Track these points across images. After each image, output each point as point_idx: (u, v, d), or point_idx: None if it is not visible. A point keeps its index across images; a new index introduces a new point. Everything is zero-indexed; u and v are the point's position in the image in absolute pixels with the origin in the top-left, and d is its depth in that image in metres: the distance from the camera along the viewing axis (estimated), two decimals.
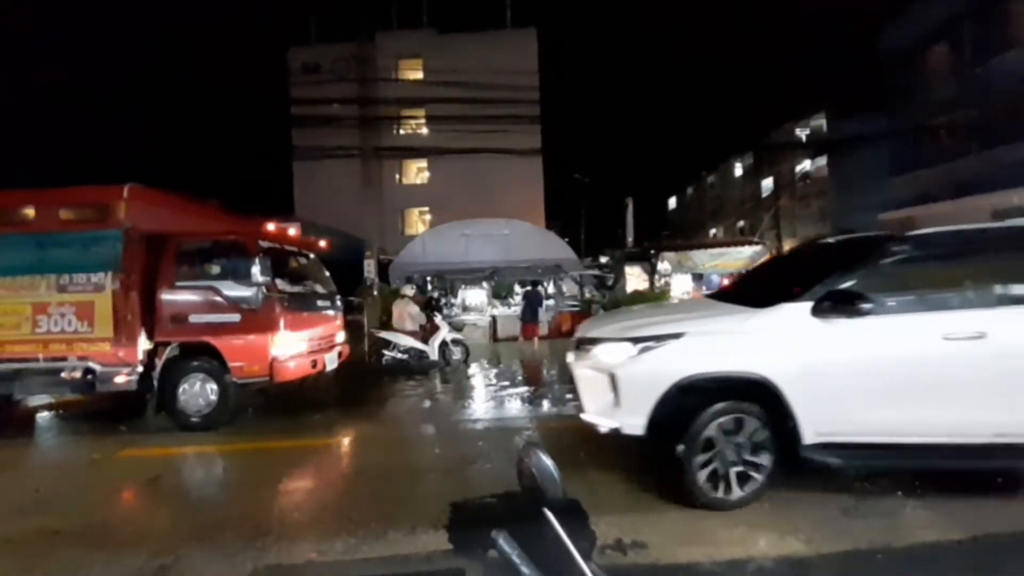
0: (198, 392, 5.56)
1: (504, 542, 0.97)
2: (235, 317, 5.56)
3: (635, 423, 3.22)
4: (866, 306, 3.04)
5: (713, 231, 36.17)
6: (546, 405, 6.35)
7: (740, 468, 3.18)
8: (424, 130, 21.66)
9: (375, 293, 11.44)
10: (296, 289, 6.16)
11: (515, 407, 6.33)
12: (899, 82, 18.91)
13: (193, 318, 5.59)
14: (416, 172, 23.04)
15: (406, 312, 9.18)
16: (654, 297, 11.74)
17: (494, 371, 8.70)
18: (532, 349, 9.70)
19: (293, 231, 6.65)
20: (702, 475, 3.17)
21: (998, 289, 3.21)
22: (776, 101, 26.37)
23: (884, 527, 2.99)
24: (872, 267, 3.26)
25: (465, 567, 2.70)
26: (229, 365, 5.54)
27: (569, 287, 13.62)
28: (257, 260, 5.62)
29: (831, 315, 3.10)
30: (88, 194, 5.61)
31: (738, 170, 34.50)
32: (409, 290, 9.75)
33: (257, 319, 5.57)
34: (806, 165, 28.38)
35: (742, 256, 13.57)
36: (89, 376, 5.43)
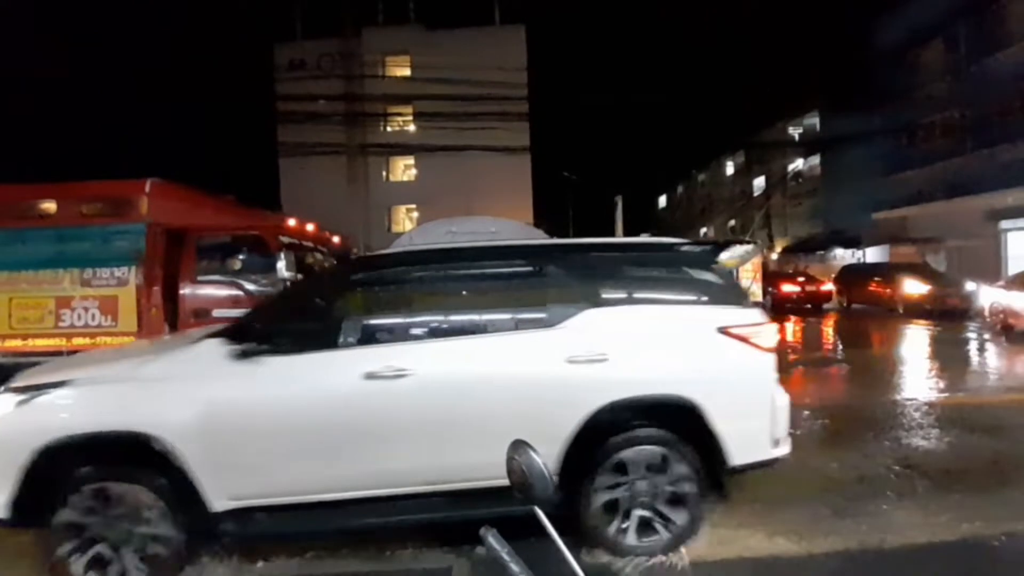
0: None
1: (493, 539, 0.97)
2: None
3: None
4: (257, 346, 2.52)
5: (704, 230, 36.23)
6: None
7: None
8: (411, 127, 21.37)
9: None
10: None
11: None
12: (893, 80, 18.89)
13: (216, 313, 5.49)
14: (403, 169, 22.77)
15: None
16: None
17: None
18: None
19: (311, 227, 6.56)
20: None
21: (428, 318, 2.91)
22: (769, 99, 26.31)
23: (874, 527, 2.91)
24: (305, 295, 2.92)
25: (452, 564, 2.61)
26: None
27: None
28: (280, 255, 5.60)
29: (245, 356, 2.51)
30: (110, 188, 5.66)
31: (729, 168, 34.54)
32: None
33: None
34: (798, 164, 28.34)
35: (733, 256, 13.39)
36: None
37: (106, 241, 5.34)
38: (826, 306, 16.19)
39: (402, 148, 20.59)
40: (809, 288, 15.97)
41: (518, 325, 2.82)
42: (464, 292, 3.10)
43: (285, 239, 5.74)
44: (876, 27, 19.95)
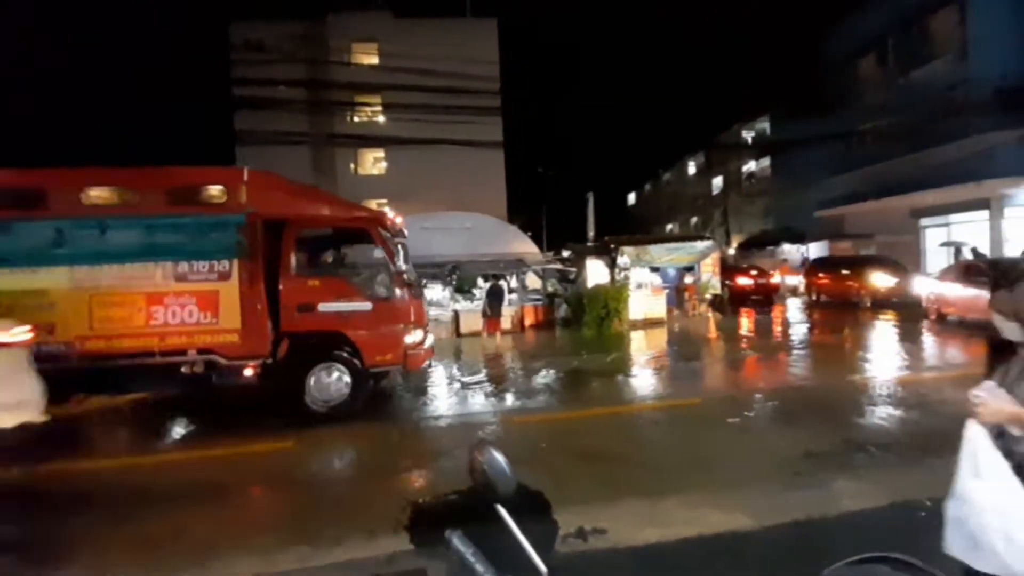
0: (329, 383, 5.30)
1: (458, 541, 0.96)
2: (367, 306, 5.42)
3: None
4: None
5: (669, 226, 37.35)
6: (509, 400, 6.30)
7: None
8: (381, 118, 20.99)
9: None
10: (412, 277, 6.11)
11: (479, 402, 6.27)
12: (834, 89, 20.18)
13: (323, 308, 5.32)
14: (373, 162, 22.34)
15: None
16: (615, 290, 11.91)
17: (456, 366, 8.57)
18: (495, 343, 9.63)
19: (400, 219, 6.32)
20: None
21: None
22: (727, 103, 27.41)
23: (820, 499, 3.26)
24: None
25: (426, 566, 2.66)
26: (363, 355, 5.38)
27: (532, 281, 13.62)
28: (383, 247, 5.51)
29: None
30: (204, 175, 5.34)
31: (692, 168, 35.67)
32: None
33: (391, 308, 5.49)
34: (752, 165, 29.73)
35: (695, 250, 14.01)
36: (210, 370, 5.10)
37: (202, 232, 4.99)
38: (790, 299, 17.49)
39: (371, 140, 20.17)
40: (760, 281, 17.17)
41: None
42: None
43: (384, 231, 5.60)
44: (820, 38, 21.47)
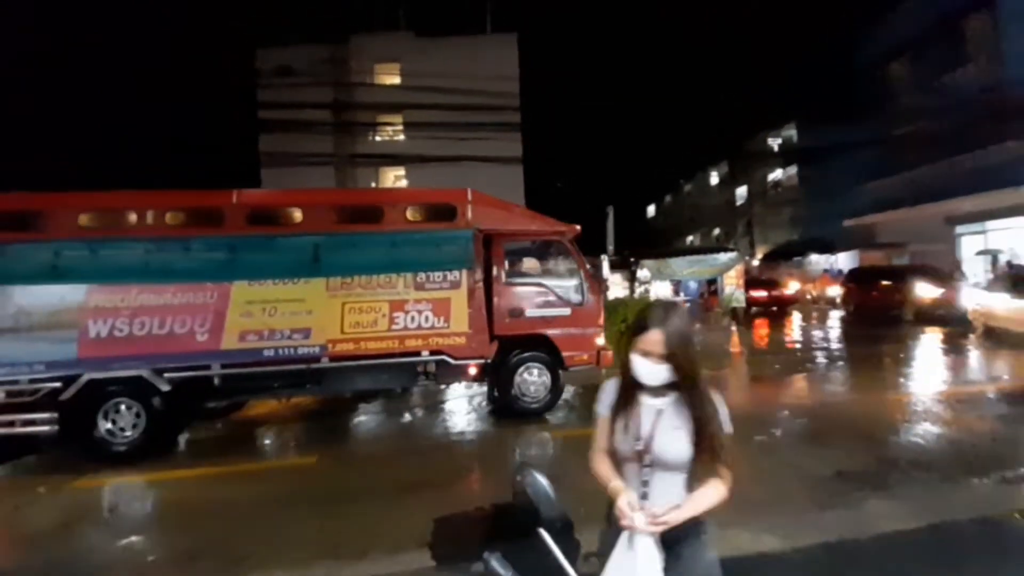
0: (534, 380, 5.89)
1: (497, 563, 0.98)
2: (566, 311, 6.07)
3: None
4: None
5: (690, 238, 36.87)
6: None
7: None
8: (401, 136, 21.42)
9: None
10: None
11: (502, 417, 6.22)
12: (864, 94, 19.68)
13: (529, 312, 5.98)
14: (393, 180, 22.76)
15: None
16: (635, 303, 11.79)
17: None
18: None
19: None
20: None
21: None
22: (750, 111, 27.01)
23: (853, 520, 3.13)
24: None
25: None
26: (563, 355, 5.99)
27: None
28: (575, 257, 6.22)
29: None
30: (435, 196, 6.11)
31: (714, 178, 35.23)
32: None
33: (586, 312, 6.13)
34: (778, 173, 29.13)
35: (718, 263, 13.78)
36: (439, 369, 5.64)
37: (438, 246, 5.51)
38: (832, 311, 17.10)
39: (392, 158, 20.57)
40: (774, 293, 17.56)
41: None
42: None
43: (572, 242, 6.29)
44: (850, 43, 20.98)
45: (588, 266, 6.40)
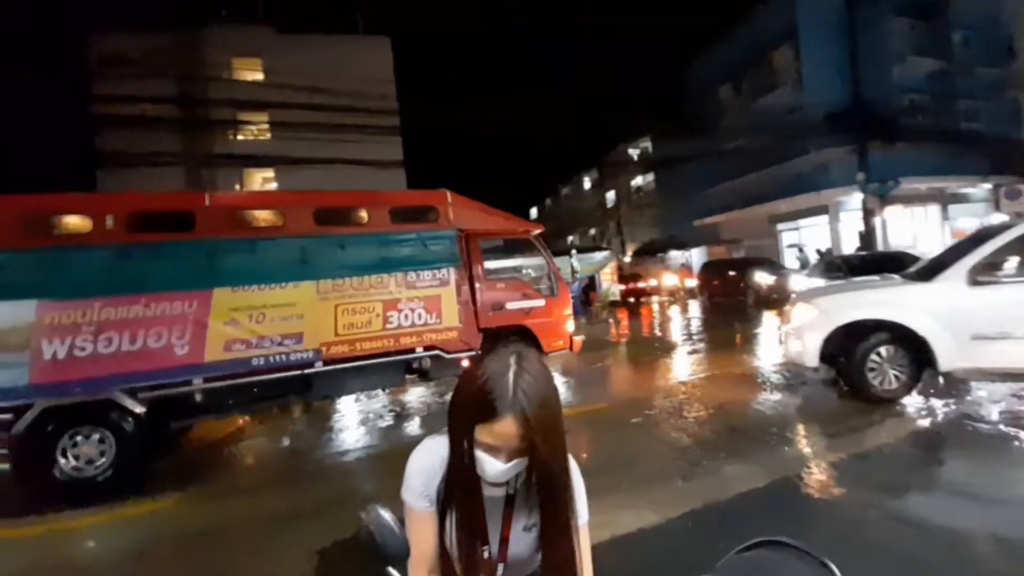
0: None
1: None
2: (541, 302, 6.56)
3: None
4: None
5: (570, 238, 39.12)
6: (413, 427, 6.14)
7: None
8: (268, 136, 19.70)
9: None
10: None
11: (399, 430, 6.01)
12: (703, 112, 22.86)
13: (509, 305, 6.35)
14: (262, 182, 20.83)
15: None
16: None
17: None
18: None
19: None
20: None
21: None
22: (615, 123, 29.71)
23: (713, 485, 3.53)
24: None
25: None
26: (541, 343, 6.33)
27: None
28: (543, 252, 6.78)
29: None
30: (417, 197, 6.42)
31: (587, 184, 37.87)
32: None
33: (558, 303, 6.69)
34: (639, 180, 32.40)
35: (594, 260, 14.84)
36: (433, 363, 5.76)
37: (425, 246, 5.68)
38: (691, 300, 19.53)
39: (254, 159, 18.79)
40: (637, 285, 21.20)
41: None
42: None
43: (538, 240, 6.83)
44: (691, 67, 24.34)
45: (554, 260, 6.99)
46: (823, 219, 18.43)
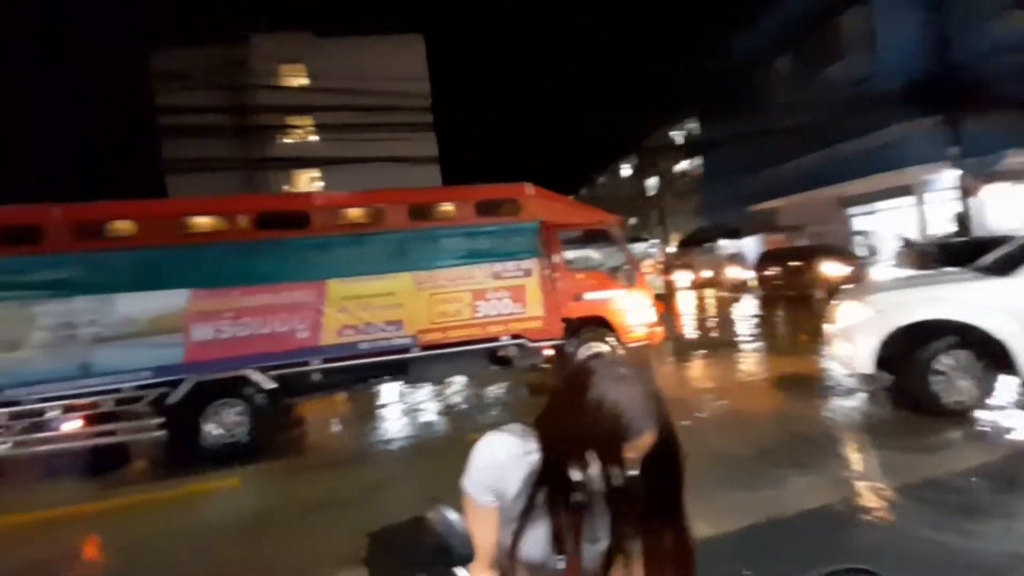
0: None
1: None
2: (619, 292, 6.69)
3: None
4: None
5: None
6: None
7: None
8: (314, 138, 20.32)
9: None
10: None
11: (434, 421, 6.07)
12: (755, 88, 21.28)
13: (588, 296, 6.53)
14: (309, 182, 21.56)
15: None
16: None
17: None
18: None
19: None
20: None
21: None
22: (655, 106, 28.61)
23: (774, 499, 3.25)
24: None
25: None
26: (618, 334, 6.55)
27: None
28: (622, 243, 7.00)
29: None
30: (500, 191, 6.35)
31: (626, 171, 36.75)
32: None
33: (636, 292, 6.79)
34: (684, 164, 30.93)
35: (636, 252, 14.34)
36: (519, 351, 6.01)
37: (508, 238, 5.91)
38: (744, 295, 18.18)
39: (301, 161, 19.45)
40: (691, 277, 21.33)
41: None
42: None
43: (616, 232, 6.97)
44: (738, 41, 22.55)
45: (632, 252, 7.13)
46: (905, 201, 16.51)
